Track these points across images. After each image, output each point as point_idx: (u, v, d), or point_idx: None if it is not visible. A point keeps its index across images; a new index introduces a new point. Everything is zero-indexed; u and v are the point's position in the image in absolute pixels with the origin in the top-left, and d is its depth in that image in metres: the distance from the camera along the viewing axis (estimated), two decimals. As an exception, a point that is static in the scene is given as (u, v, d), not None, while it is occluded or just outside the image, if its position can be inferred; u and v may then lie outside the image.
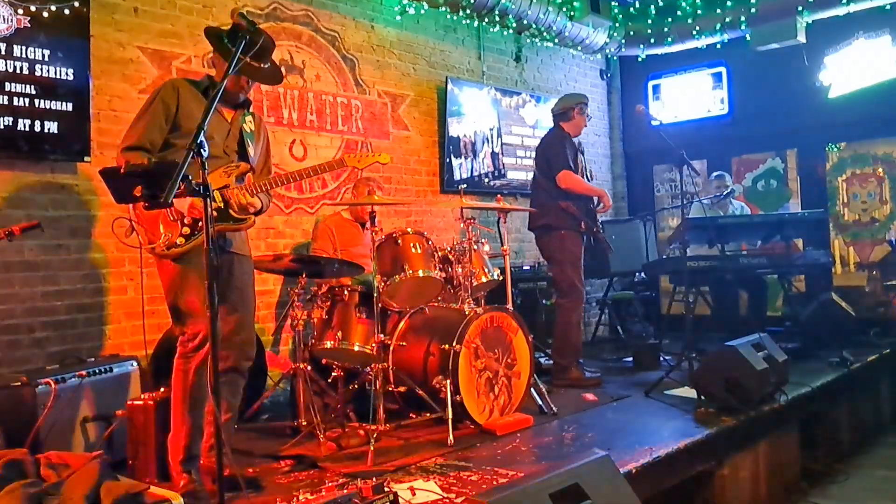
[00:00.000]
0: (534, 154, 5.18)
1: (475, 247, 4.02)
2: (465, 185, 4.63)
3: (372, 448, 3.26)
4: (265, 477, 3.08)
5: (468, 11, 6.10)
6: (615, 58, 7.94)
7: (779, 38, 6.47)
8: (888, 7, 6.16)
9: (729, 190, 6.44)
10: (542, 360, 5.12)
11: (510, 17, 6.31)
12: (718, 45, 7.06)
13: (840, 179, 6.83)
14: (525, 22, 6.49)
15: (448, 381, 3.56)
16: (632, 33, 7.31)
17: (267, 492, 2.91)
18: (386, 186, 5.64)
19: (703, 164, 7.36)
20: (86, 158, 3.97)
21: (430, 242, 3.93)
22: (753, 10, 6.50)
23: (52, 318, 3.88)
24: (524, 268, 6.18)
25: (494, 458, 3.26)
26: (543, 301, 5.97)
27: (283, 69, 4.97)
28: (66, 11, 3.87)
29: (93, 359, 3.72)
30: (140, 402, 3.13)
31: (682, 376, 4.44)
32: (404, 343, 3.88)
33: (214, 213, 2.80)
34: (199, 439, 2.91)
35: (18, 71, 3.70)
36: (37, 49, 3.77)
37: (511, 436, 3.63)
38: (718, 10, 6.72)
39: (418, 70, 6.04)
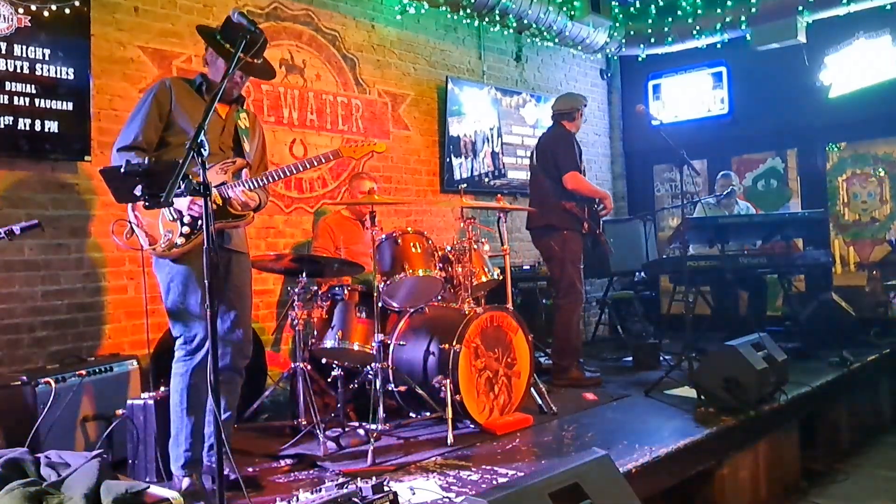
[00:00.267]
0: (534, 154, 5.13)
1: (475, 246, 4.02)
2: (465, 185, 4.63)
3: (372, 447, 3.27)
4: (265, 476, 3.09)
5: (468, 11, 6.10)
6: (615, 57, 7.93)
7: (779, 38, 6.47)
8: (888, 7, 6.16)
9: (729, 189, 6.43)
10: (541, 359, 5.12)
11: (510, 16, 6.32)
12: (719, 45, 7.06)
13: (840, 179, 6.83)
14: (525, 21, 6.49)
15: (448, 381, 3.56)
16: (632, 33, 7.31)
17: (266, 491, 2.92)
18: (386, 186, 5.65)
19: (704, 164, 7.37)
20: (86, 158, 3.98)
21: (430, 242, 3.93)
22: (754, 9, 6.50)
23: (52, 318, 3.89)
24: (524, 267, 6.18)
25: (494, 458, 3.26)
26: (543, 301, 5.98)
27: (283, 68, 5.03)
28: (67, 11, 3.87)
29: (93, 358, 3.73)
30: (140, 402, 3.13)
31: (682, 376, 4.45)
32: (404, 342, 3.88)
33: (214, 207, 2.79)
34: (200, 441, 2.90)
35: (19, 70, 3.71)
36: (37, 48, 3.77)
37: (511, 435, 3.64)
38: (719, 10, 6.72)
39: (419, 70, 6.04)
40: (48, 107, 3.79)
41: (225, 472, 2.21)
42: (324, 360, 3.88)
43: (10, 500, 2.23)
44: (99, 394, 3.38)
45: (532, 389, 4.03)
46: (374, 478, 2.79)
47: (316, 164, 3.12)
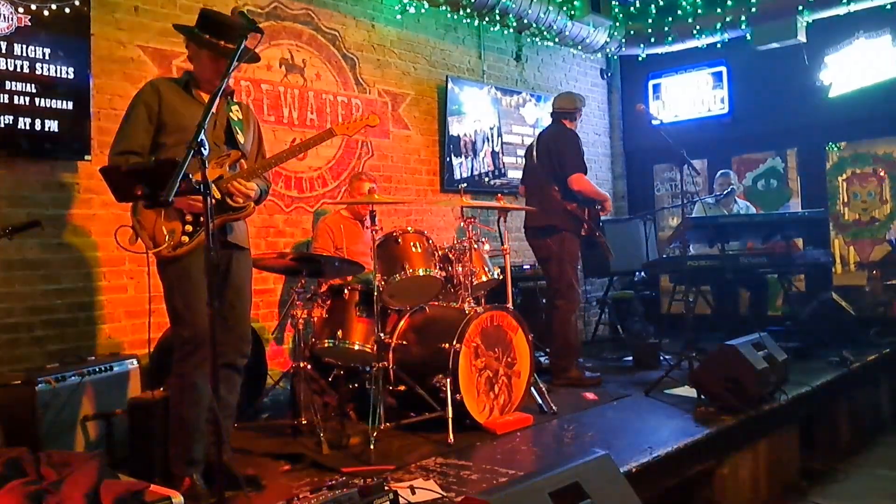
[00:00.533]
0: (533, 151, 5.09)
1: (475, 246, 4.02)
2: (465, 185, 4.63)
3: (372, 447, 3.27)
4: (265, 476, 3.08)
5: (468, 10, 6.10)
6: (615, 57, 7.93)
7: (779, 38, 6.47)
8: (888, 7, 6.16)
9: (729, 189, 6.43)
10: (541, 359, 5.12)
11: (510, 16, 6.32)
12: (719, 45, 7.06)
13: (840, 179, 6.83)
14: (525, 21, 6.49)
15: (448, 380, 3.56)
16: (632, 32, 7.31)
17: (266, 491, 2.91)
18: (386, 185, 5.64)
19: (704, 164, 7.37)
20: (86, 157, 3.97)
21: (430, 241, 3.93)
22: (754, 9, 6.50)
23: (52, 317, 3.88)
24: (524, 267, 6.17)
25: (494, 458, 3.26)
26: (543, 300, 5.97)
27: (283, 68, 5.03)
28: (67, 10, 3.87)
29: (93, 357, 3.72)
30: (140, 401, 3.13)
31: (682, 375, 4.44)
32: (404, 342, 3.87)
33: (213, 202, 2.80)
34: (201, 442, 2.90)
35: (19, 69, 3.70)
36: (37, 48, 3.76)
37: (511, 435, 3.64)
38: (719, 10, 6.72)
39: (419, 69, 6.04)
40: (48, 106, 3.79)
41: (225, 472, 2.21)
42: (324, 360, 3.87)
43: (10, 499, 2.23)
44: (99, 393, 3.38)
45: (532, 389, 4.03)
46: (374, 477, 2.80)
47: (311, 145, 3.17)
